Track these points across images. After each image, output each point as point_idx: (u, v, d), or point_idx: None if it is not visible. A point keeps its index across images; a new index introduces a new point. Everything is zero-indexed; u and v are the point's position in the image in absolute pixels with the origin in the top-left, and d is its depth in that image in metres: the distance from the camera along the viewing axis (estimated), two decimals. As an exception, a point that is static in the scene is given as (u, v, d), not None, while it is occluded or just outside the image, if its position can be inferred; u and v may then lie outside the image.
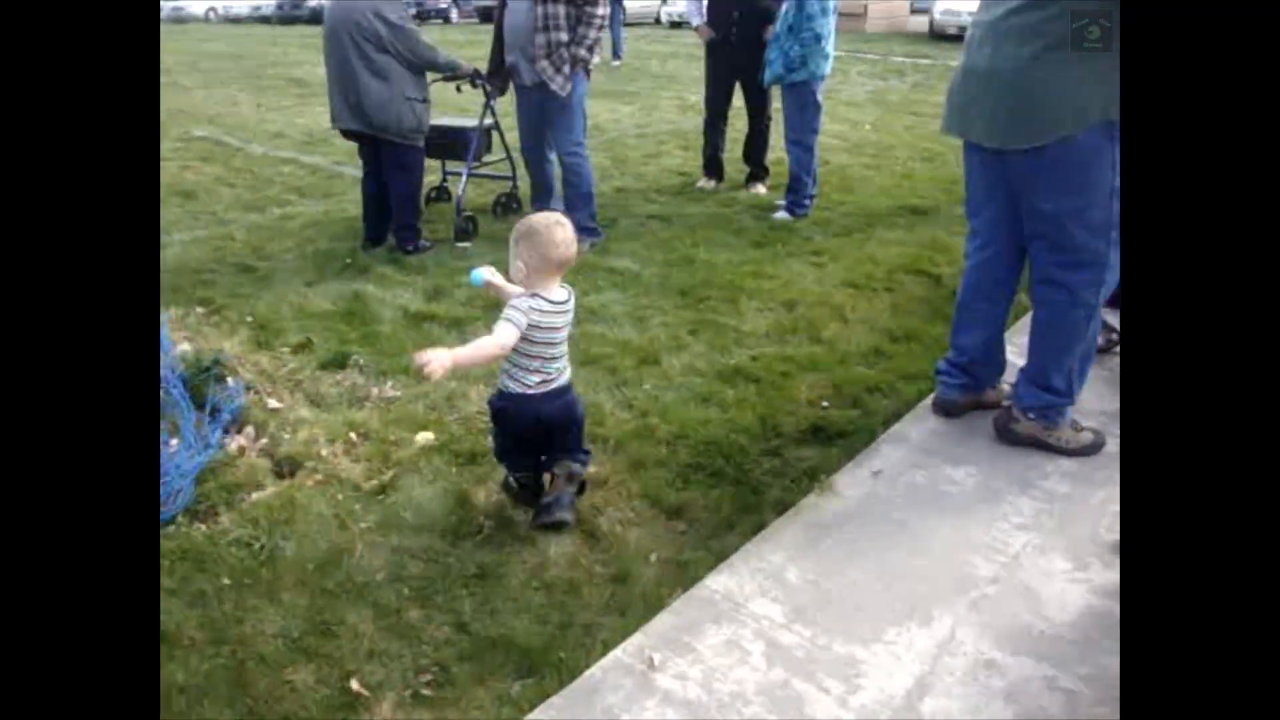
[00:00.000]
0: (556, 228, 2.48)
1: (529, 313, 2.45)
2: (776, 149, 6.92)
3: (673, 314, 4.24)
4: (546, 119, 5.24)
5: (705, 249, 5.22)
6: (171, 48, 18.38)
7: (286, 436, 3.12)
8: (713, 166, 6.79)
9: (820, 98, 5.73)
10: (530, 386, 2.57)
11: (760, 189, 6.64)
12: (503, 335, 2.44)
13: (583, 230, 5.30)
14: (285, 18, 28.18)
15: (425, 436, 3.13)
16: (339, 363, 3.70)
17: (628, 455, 3.02)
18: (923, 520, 2.72)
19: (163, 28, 24.57)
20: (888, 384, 3.55)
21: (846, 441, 3.14)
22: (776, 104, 6.33)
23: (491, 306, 4.25)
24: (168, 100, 10.96)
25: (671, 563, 2.55)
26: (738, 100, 6.64)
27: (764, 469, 2.98)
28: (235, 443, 3.07)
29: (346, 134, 5.10)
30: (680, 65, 15.22)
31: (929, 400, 3.42)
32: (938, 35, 20.15)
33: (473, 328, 4.07)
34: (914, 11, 23.78)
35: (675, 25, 24.47)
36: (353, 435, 3.12)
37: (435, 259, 5.07)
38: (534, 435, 2.65)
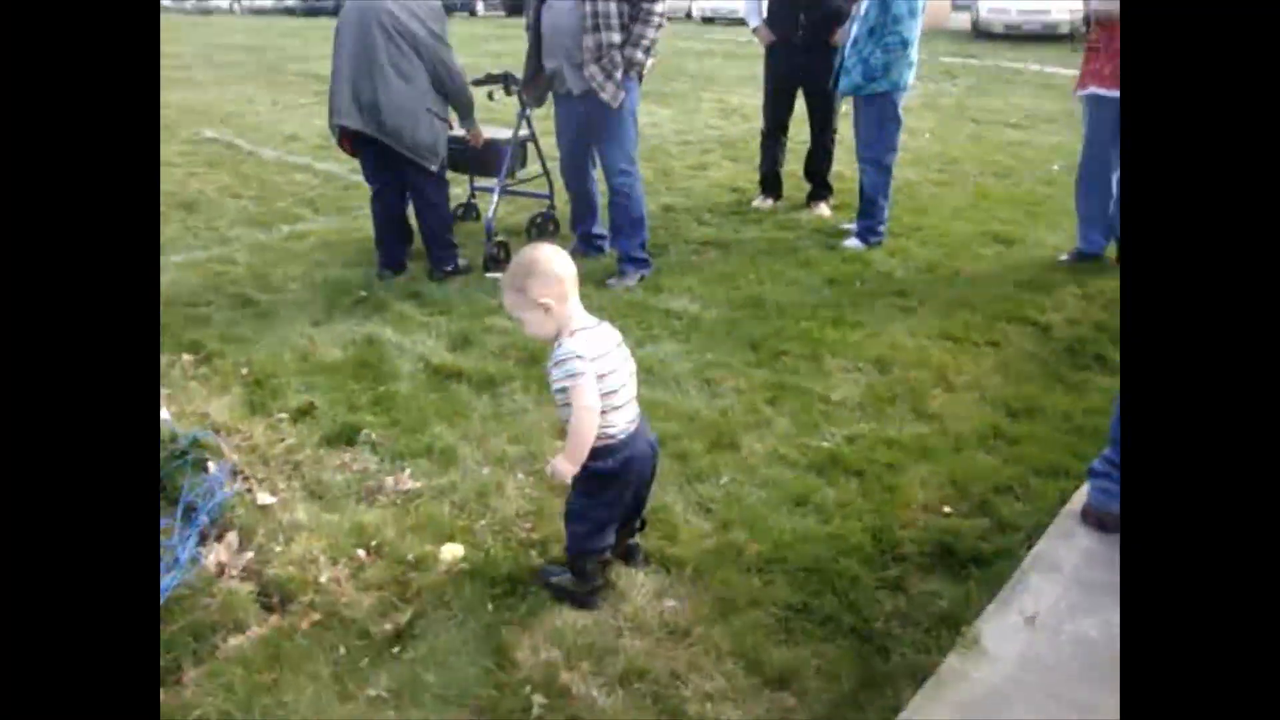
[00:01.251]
0: (541, 248, 2.21)
1: (586, 350, 2.12)
2: (838, 163, 6.26)
3: (745, 375, 3.57)
4: (593, 131, 4.59)
5: (773, 285, 4.55)
6: (192, 39, 17.89)
7: (278, 549, 2.48)
8: (771, 183, 6.11)
9: (901, 111, 5.04)
10: (633, 420, 2.26)
11: (824, 210, 5.96)
12: (584, 397, 2.11)
13: (631, 261, 4.68)
14: (309, 9, 27.60)
15: (453, 552, 2.49)
16: (347, 437, 3.06)
17: (711, 590, 2.36)
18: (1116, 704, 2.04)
19: (186, 19, 24.16)
20: (1018, 480, 2.87)
21: (983, 570, 2.46)
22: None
23: (529, 359, 3.62)
24: (180, 98, 10.40)
25: (782, 764, 1.89)
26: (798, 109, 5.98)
27: (886, 611, 2.31)
28: (213, 556, 2.44)
29: (344, 138, 4.41)
30: (718, 65, 14.54)
31: (1075, 504, 2.76)
32: (982, 34, 19.31)
33: (508, 387, 3.43)
34: (956, 8, 22.90)
35: (707, 20, 23.75)
36: (360, 552, 2.47)
37: (461, 294, 4.42)
38: (648, 476, 2.36)
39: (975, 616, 2.29)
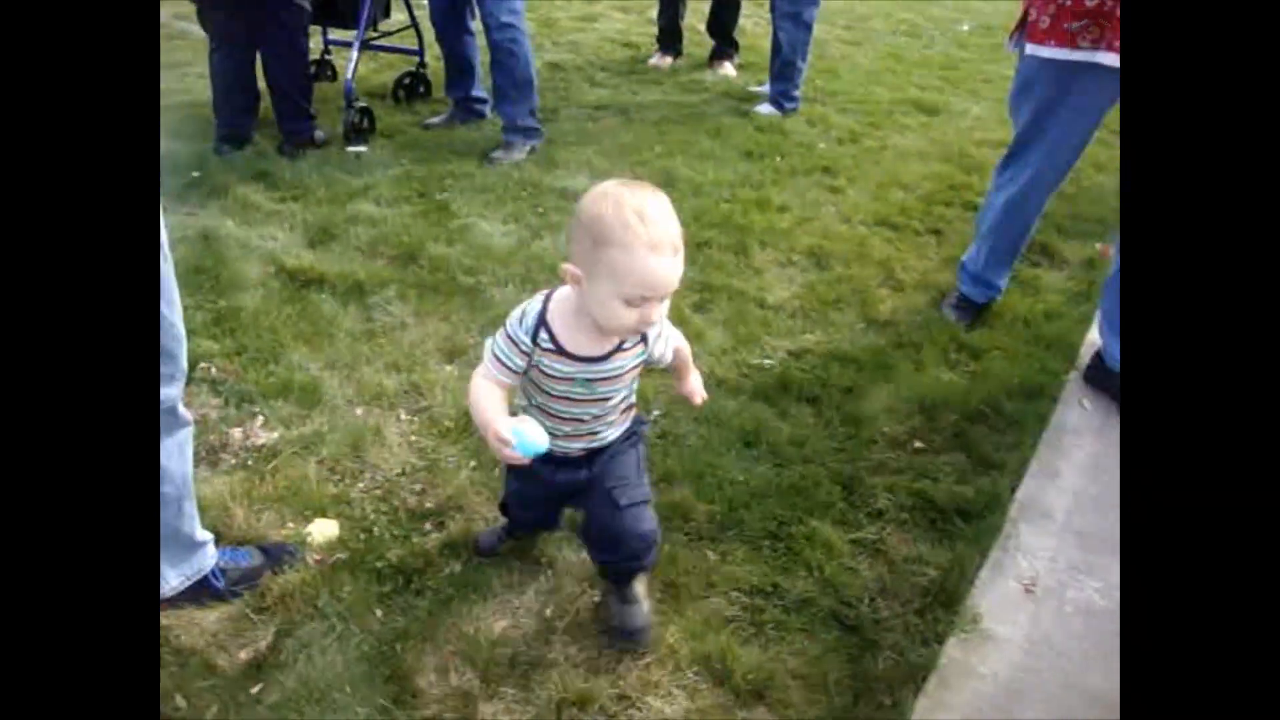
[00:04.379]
0: (617, 195, 1.40)
1: None
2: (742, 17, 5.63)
3: (666, 275, 3.05)
4: (469, -25, 3.83)
5: (684, 160, 3.98)
6: None
7: (86, 544, 1.88)
8: (670, 39, 5.44)
9: (826, -42, 4.43)
10: None
11: (729, 69, 5.36)
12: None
13: (519, 131, 4.02)
14: None
15: (325, 532, 1.94)
16: (180, 373, 2.41)
17: (658, 571, 1.91)
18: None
19: None
20: (989, 404, 2.51)
21: (969, 524, 2.10)
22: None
23: (405, 257, 3.02)
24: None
25: (767, 809, 1.50)
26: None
27: (870, 588, 1.92)
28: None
29: None
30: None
31: (1055, 433, 2.43)
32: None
33: (380, 296, 2.82)
34: None
35: None
36: (201, 543, 1.90)
37: (319, 173, 3.68)
38: None
39: (970, 587, 1.94)
